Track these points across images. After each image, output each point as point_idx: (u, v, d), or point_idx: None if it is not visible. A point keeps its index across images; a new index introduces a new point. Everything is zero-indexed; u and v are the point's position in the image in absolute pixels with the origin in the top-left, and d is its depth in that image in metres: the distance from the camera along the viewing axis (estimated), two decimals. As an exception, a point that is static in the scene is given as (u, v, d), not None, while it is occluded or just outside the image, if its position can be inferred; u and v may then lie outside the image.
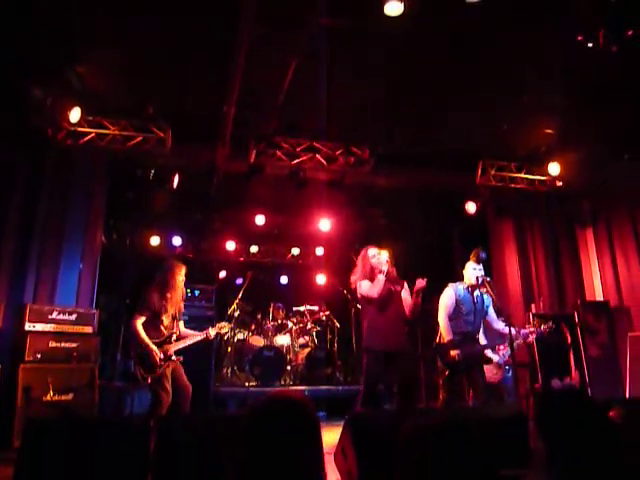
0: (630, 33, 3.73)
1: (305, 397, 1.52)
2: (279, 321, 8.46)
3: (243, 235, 9.53)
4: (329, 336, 8.82)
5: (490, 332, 4.86)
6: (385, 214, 8.20)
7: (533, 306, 6.75)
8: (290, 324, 8.43)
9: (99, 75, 4.99)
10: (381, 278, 4.30)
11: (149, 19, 4.27)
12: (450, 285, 4.65)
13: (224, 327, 4.84)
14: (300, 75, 4.79)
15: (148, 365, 4.25)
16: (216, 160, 6.27)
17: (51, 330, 4.99)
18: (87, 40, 4.52)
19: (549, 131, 5.91)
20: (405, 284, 4.53)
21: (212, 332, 4.62)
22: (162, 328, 4.39)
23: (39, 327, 4.92)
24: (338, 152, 6.29)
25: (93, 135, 5.58)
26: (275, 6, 4.01)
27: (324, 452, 1.43)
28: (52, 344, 4.92)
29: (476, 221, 7.19)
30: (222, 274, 9.61)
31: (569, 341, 6.15)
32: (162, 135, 5.72)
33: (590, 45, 3.93)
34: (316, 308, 9.01)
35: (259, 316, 8.65)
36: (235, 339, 8.06)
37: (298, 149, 6.21)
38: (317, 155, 6.26)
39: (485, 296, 4.69)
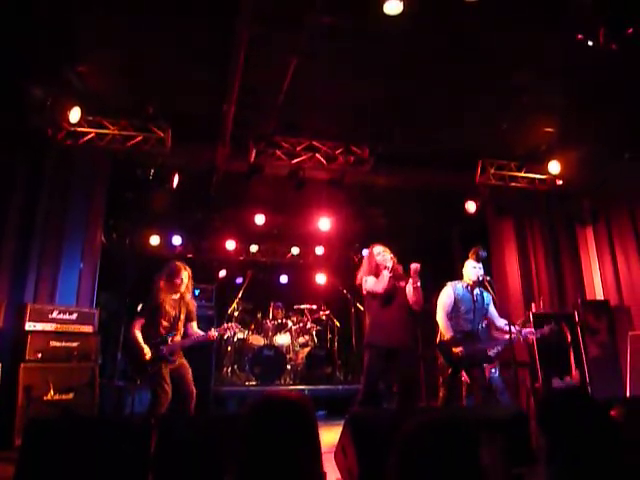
0: (630, 31, 3.73)
1: (302, 396, 1.52)
2: (279, 320, 8.47)
3: (243, 234, 9.52)
4: (329, 335, 8.84)
5: (491, 330, 4.86)
6: (385, 213, 8.19)
7: (533, 305, 6.75)
8: (290, 323, 8.44)
9: (99, 75, 4.98)
10: (386, 274, 4.40)
11: (149, 19, 4.26)
12: (449, 284, 4.65)
13: (230, 329, 4.72)
14: (300, 75, 4.78)
15: (137, 365, 4.28)
16: (216, 160, 6.27)
17: (52, 329, 4.99)
18: (87, 40, 4.50)
19: (549, 129, 5.90)
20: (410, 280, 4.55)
21: (214, 332, 4.58)
22: (160, 329, 4.39)
23: (40, 326, 4.92)
24: (338, 151, 6.29)
25: (93, 135, 5.58)
26: (275, 6, 4.02)
27: (323, 451, 1.44)
28: (53, 343, 4.92)
29: (476, 220, 7.18)
30: (222, 273, 9.60)
31: (569, 340, 6.14)
32: (162, 135, 5.72)
33: (590, 43, 3.93)
34: (316, 307, 9.02)
35: (259, 315, 8.66)
36: (235, 338, 8.06)
37: (298, 148, 6.22)
38: (317, 154, 6.27)
39: (485, 294, 4.68)
